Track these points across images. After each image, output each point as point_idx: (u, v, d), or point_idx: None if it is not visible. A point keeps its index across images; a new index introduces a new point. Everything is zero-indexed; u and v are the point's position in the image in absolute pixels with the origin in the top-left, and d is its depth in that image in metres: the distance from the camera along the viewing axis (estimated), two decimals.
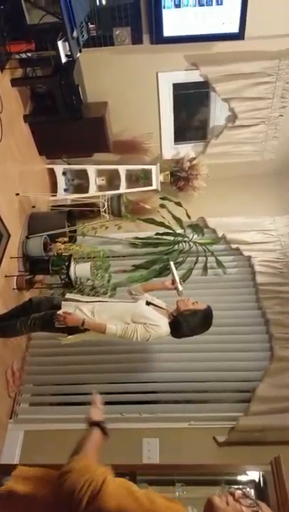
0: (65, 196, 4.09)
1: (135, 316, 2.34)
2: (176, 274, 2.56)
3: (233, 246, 3.75)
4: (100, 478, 0.97)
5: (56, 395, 3.05)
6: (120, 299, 2.69)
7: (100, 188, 4.19)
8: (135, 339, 2.29)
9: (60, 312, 2.33)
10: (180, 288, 2.50)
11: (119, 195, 3.93)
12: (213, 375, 2.99)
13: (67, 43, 2.78)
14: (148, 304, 2.48)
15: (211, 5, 3.27)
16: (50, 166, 4.10)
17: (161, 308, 2.48)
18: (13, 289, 3.08)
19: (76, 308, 2.41)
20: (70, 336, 2.39)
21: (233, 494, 1.00)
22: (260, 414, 2.74)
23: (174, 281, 2.52)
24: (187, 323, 2.37)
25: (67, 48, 2.82)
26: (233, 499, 0.99)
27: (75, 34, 2.77)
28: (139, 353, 3.10)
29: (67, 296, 2.66)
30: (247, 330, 3.22)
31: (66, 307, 2.44)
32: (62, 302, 2.51)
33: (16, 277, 3.10)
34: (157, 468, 2.56)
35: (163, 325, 2.35)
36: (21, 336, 2.98)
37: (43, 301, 2.64)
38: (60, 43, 2.78)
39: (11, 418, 2.88)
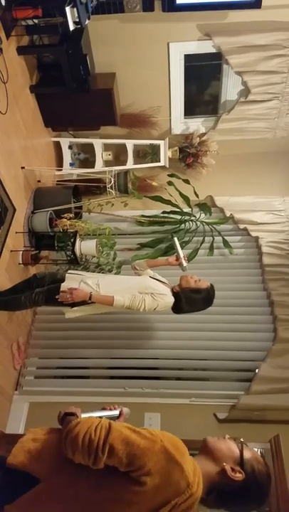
0: (70, 171, 4.02)
1: (141, 288, 2.34)
2: (180, 249, 2.54)
3: (241, 226, 3.70)
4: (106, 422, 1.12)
5: (60, 368, 3.11)
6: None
7: (107, 163, 4.11)
8: (143, 309, 2.28)
9: (64, 289, 2.32)
10: (184, 264, 2.48)
11: (126, 171, 3.85)
12: (217, 353, 3.02)
13: (75, 9, 2.66)
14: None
15: None
16: (56, 139, 4.01)
17: (163, 283, 2.49)
18: (19, 264, 3.09)
19: (81, 281, 2.39)
20: (74, 308, 2.37)
21: (224, 437, 1.21)
22: (261, 394, 2.77)
23: (178, 257, 2.50)
24: (187, 300, 2.38)
25: (76, 15, 2.70)
26: (224, 438, 1.20)
27: None
28: (142, 331, 3.12)
29: (71, 271, 2.65)
30: (251, 311, 3.22)
31: (70, 280, 2.43)
32: (66, 275, 2.49)
33: (21, 252, 3.10)
34: None
35: (169, 294, 2.37)
36: (25, 310, 3.01)
37: (47, 276, 2.64)
38: (68, 9, 2.66)
39: (16, 390, 2.95)
